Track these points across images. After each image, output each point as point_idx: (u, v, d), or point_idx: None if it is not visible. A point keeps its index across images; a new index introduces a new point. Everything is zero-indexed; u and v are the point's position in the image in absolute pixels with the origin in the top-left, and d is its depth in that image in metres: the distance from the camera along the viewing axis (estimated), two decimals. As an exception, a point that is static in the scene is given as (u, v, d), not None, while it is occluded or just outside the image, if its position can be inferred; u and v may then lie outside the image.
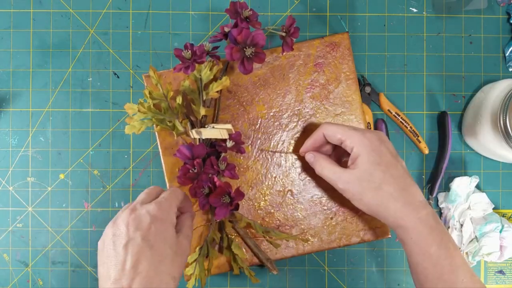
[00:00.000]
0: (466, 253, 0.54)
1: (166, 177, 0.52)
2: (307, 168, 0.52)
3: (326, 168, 0.47)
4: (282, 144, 0.53)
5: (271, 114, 0.53)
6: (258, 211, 0.52)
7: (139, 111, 0.47)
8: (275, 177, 0.53)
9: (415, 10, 0.56)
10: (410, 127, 0.55)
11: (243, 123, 0.53)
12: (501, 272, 0.56)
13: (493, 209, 0.55)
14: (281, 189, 0.53)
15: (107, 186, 0.56)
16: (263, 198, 0.53)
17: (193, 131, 0.48)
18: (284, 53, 0.51)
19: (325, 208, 0.53)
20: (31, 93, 0.56)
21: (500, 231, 0.53)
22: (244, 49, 0.45)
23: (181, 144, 0.50)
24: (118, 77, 0.56)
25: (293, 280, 0.56)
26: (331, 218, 0.52)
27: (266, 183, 0.53)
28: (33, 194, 0.56)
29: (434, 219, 0.44)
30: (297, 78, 0.53)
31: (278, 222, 0.52)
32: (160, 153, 0.52)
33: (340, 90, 0.53)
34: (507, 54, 0.56)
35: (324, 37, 0.53)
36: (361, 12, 0.56)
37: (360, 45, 0.56)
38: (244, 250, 0.52)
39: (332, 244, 0.52)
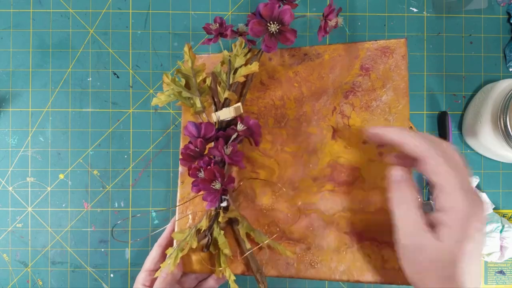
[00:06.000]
0: (466, 253, 0.54)
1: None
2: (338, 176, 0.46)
3: (409, 215, 0.35)
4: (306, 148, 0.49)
5: (301, 113, 0.49)
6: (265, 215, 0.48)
7: (163, 81, 0.47)
8: None
9: (415, 10, 0.56)
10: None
11: (269, 118, 0.49)
12: (501, 272, 0.56)
13: (493, 209, 0.55)
14: None
15: (107, 186, 0.56)
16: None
17: (214, 113, 0.47)
18: (321, 43, 0.48)
19: (344, 231, 0.46)
20: (30, 93, 0.56)
21: (501, 231, 0.53)
22: (268, 24, 0.43)
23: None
24: (118, 77, 0.56)
25: (293, 281, 0.56)
26: (345, 244, 0.45)
27: None
28: (32, 194, 0.56)
29: None
30: (337, 80, 0.48)
31: (281, 233, 0.47)
32: (182, 133, 0.50)
33: (385, 100, 0.47)
34: (507, 54, 0.56)
35: (378, 40, 0.48)
36: (361, 12, 0.56)
37: (360, 45, 0.56)
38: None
39: (342, 276, 0.45)
